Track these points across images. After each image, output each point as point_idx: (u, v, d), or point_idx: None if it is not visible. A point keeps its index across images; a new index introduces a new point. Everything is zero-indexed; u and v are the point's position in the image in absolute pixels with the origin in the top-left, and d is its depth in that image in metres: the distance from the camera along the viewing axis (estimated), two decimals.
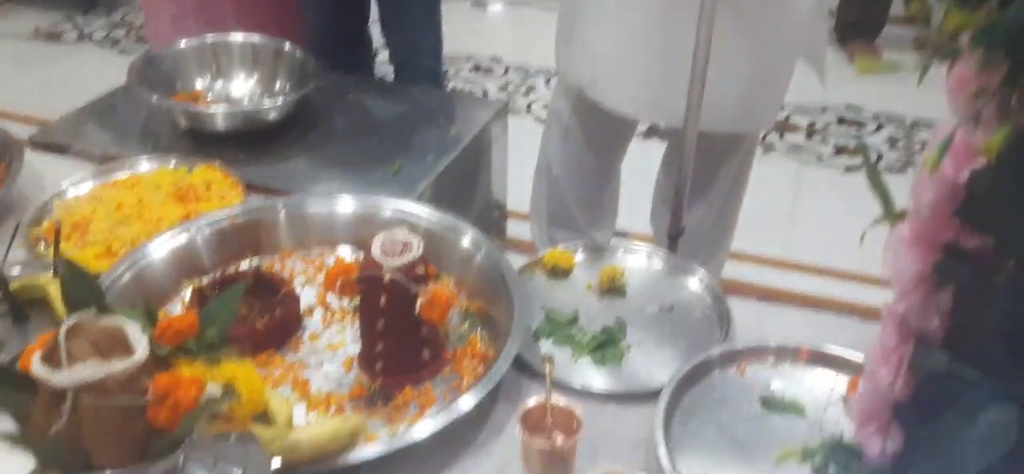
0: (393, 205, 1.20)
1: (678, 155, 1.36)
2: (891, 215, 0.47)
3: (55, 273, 1.07)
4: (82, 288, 0.63)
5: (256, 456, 0.68)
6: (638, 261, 1.23)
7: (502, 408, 0.97)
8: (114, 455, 0.57)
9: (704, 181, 1.54)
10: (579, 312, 1.12)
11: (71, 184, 1.29)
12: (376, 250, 0.96)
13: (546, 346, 1.07)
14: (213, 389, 0.64)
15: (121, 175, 1.34)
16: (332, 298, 1.12)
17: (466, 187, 1.62)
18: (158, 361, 0.60)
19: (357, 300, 1.04)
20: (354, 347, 1.04)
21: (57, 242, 1.07)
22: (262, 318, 1.05)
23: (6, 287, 1.04)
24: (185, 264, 1.12)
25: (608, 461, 0.90)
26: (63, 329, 0.56)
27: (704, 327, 1.11)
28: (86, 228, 1.21)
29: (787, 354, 1.03)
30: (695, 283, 1.19)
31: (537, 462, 0.89)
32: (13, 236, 1.13)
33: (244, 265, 1.16)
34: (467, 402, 0.91)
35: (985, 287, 0.46)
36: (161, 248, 1.11)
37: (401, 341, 0.99)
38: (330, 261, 1.19)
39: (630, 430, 0.95)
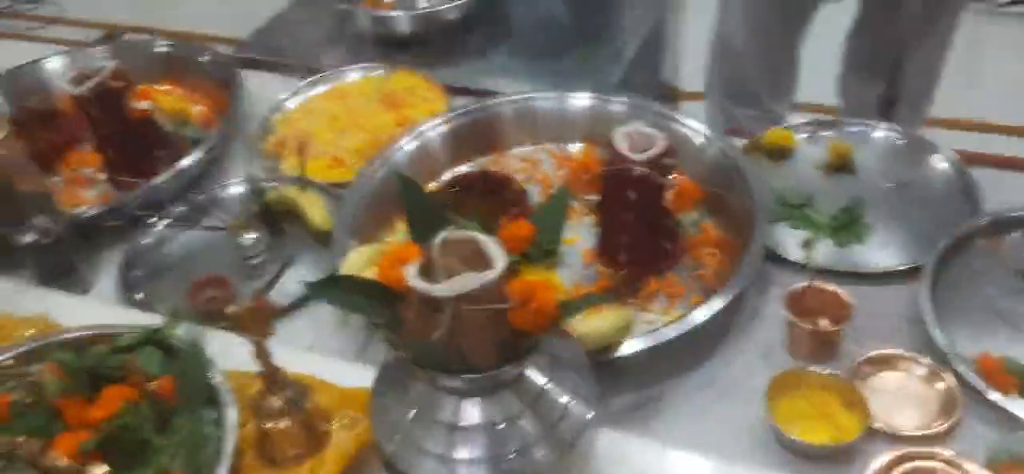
0: (620, 100, 1.19)
1: (881, 15, 1.27)
2: None
3: (301, 186, 1.14)
4: (423, 205, 0.67)
5: (576, 349, 0.73)
6: (861, 135, 1.19)
7: (753, 293, 0.98)
8: (484, 356, 0.62)
9: (912, 38, 1.43)
10: (811, 193, 1.10)
11: (285, 99, 1.34)
12: (622, 144, 0.96)
13: (782, 229, 1.07)
14: None
15: (327, 86, 1.38)
16: None
17: (648, 71, 1.59)
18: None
19: (586, 196, 1.05)
20: (588, 241, 1.07)
21: (304, 157, 1.13)
22: (498, 217, 1.09)
23: (264, 202, 1.12)
24: (421, 167, 1.16)
25: (876, 341, 0.90)
26: (437, 244, 0.60)
27: (947, 200, 1.07)
28: (310, 141, 1.27)
29: None
30: (932, 156, 1.14)
31: (805, 345, 0.90)
32: (256, 153, 1.19)
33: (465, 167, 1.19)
34: (734, 287, 0.91)
35: None
36: (399, 151, 1.15)
37: (647, 233, 1.00)
38: (542, 158, 1.21)
39: (888, 308, 0.94)
